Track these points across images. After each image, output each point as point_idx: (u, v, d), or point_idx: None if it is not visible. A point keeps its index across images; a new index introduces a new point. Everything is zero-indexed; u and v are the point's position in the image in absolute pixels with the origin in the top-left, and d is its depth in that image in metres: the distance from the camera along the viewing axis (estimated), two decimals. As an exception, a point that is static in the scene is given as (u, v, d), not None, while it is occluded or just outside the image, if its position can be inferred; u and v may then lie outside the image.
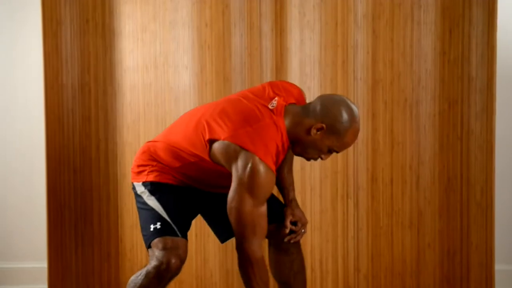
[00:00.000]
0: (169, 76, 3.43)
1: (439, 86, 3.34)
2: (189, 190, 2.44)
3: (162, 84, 3.45)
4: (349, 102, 2.28)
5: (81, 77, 3.48)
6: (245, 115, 2.26)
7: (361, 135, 3.35)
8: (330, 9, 3.32)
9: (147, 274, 2.29)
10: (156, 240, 2.31)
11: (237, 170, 2.18)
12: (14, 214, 3.80)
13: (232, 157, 2.20)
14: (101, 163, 3.52)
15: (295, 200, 2.59)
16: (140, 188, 2.42)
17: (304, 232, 2.56)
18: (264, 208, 2.22)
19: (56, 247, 3.53)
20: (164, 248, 2.28)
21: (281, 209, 2.55)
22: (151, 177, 2.39)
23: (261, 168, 2.17)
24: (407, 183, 3.39)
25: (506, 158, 3.60)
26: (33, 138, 3.71)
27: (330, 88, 3.35)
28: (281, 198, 2.62)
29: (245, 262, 2.25)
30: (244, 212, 2.19)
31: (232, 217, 2.22)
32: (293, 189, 2.60)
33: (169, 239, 2.30)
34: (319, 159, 2.35)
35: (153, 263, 2.28)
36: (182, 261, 2.31)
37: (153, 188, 2.38)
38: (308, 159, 2.35)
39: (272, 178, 2.21)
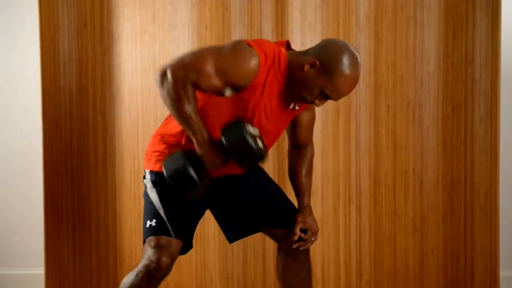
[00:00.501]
0: None
1: (442, 89, 3.34)
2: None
3: None
4: (352, 48, 2.19)
5: (79, 80, 3.46)
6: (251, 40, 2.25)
7: (363, 139, 3.37)
8: (332, 10, 3.32)
9: (138, 273, 2.26)
10: (150, 238, 2.28)
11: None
12: (11, 219, 3.79)
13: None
14: (99, 168, 3.50)
15: (309, 206, 2.52)
16: (148, 176, 2.37)
17: (314, 240, 2.51)
18: (216, 81, 2.10)
19: (54, 253, 3.52)
20: (156, 246, 2.26)
21: (293, 214, 2.49)
22: (157, 167, 2.32)
23: (245, 46, 2.11)
24: (410, 187, 3.39)
25: (511, 162, 3.58)
26: (31, 142, 3.71)
27: None
28: (295, 203, 2.58)
29: (169, 86, 2.09)
30: (203, 52, 2.11)
31: (183, 52, 2.15)
32: (309, 195, 2.53)
33: (162, 238, 2.27)
34: (314, 104, 2.26)
35: (143, 261, 2.26)
36: (173, 260, 2.28)
37: (157, 179, 2.32)
38: (301, 100, 2.24)
39: (249, 60, 2.10)
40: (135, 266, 2.30)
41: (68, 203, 3.52)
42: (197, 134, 2.13)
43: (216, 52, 2.13)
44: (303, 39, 3.34)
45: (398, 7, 3.31)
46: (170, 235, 2.28)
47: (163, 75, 2.10)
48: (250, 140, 2.10)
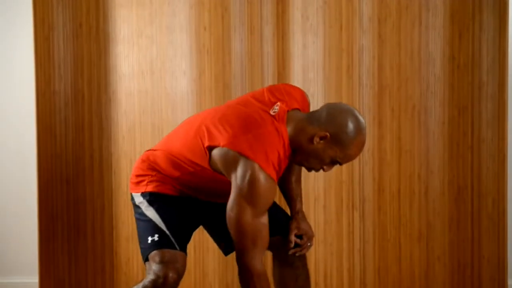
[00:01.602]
0: (166, 83, 3.42)
1: (448, 92, 3.33)
2: (190, 200, 2.41)
3: (159, 91, 3.43)
4: (356, 112, 2.22)
5: (74, 83, 3.46)
6: (246, 121, 2.22)
7: (367, 144, 3.29)
8: (334, 12, 3.31)
9: None
10: (153, 252, 2.27)
11: (236, 179, 2.15)
12: (4, 226, 3.79)
13: (231, 165, 2.16)
14: (95, 173, 3.50)
15: (302, 212, 2.53)
16: (139, 199, 2.38)
17: (311, 245, 2.51)
18: (265, 218, 2.18)
19: (48, 261, 3.52)
20: (162, 262, 2.25)
21: (286, 220, 2.50)
22: (150, 188, 2.36)
23: (261, 176, 2.12)
24: (415, 193, 3.38)
25: (519, 167, 3.58)
26: (24, 147, 3.70)
27: (334, 95, 3.35)
28: (287, 210, 2.58)
29: (246, 276, 2.21)
30: (244, 223, 2.15)
31: (231, 228, 2.18)
32: (301, 201, 2.54)
33: (167, 252, 2.27)
34: (321, 171, 2.31)
35: (149, 277, 2.24)
36: (180, 275, 2.27)
37: (152, 198, 2.35)
38: (309, 169, 2.29)
39: (273, 186, 2.17)
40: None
41: (63, 209, 3.52)
42: None
43: (251, 209, 2.16)
44: (304, 41, 3.34)
45: (403, 8, 3.29)
46: (174, 248, 2.28)
47: (250, 274, 2.22)
48: None
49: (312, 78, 3.34)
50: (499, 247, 3.35)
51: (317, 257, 3.40)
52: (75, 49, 3.45)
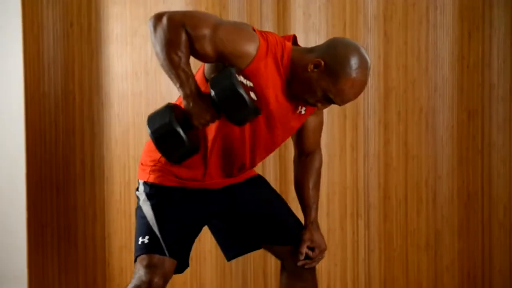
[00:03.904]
0: (161, 84, 3.41)
1: (457, 94, 3.31)
2: (196, 194, 2.31)
3: (153, 93, 3.43)
4: (363, 50, 2.11)
5: (65, 85, 3.47)
6: None
7: (372, 148, 3.35)
8: (338, 9, 3.30)
9: None
10: (142, 256, 2.22)
11: None
12: None
13: None
14: (86, 179, 3.51)
15: (316, 222, 2.44)
16: (141, 188, 2.32)
17: (322, 258, 2.45)
18: (209, 48, 2.04)
19: (37, 272, 3.53)
20: (148, 266, 2.19)
21: (298, 230, 2.42)
22: (152, 178, 2.28)
23: (250, 30, 2.08)
24: (423, 200, 3.35)
25: (531, 173, 3.61)
26: (13, 151, 3.67)
27: None
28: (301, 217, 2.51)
29: (164, 28, 2.02)
30: (203, 14, 2.09)
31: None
32: (316, 209, 2.46)
33: (155, 258, 2.20)
34: (319, 110, 2.25)
35: (134, 282, 2.19)
36: (166, 280, 2.22)
37: (152, 191, 2.27)
38: (303, 102, 2.18)
39: (251, 45, 2.06)
40: (126, 285, 2.25)
41: (53, 217, 3.53)
42: (184, 86, 2.05)
43: (218, 19, 2.09)
44: (306, 40, 3.33)
45: (409, 5, 3.28)
46: (163, 254, 2.21)
47: (158, 17, 2.04)
48: (242, 91, 2.01)
49: (314, 79, 3.32)
50: (510, 257, 3.33)
51: (320, 267, 3.33)
52: (66, 49, 3.49)
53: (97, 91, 3.46)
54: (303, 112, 2.24)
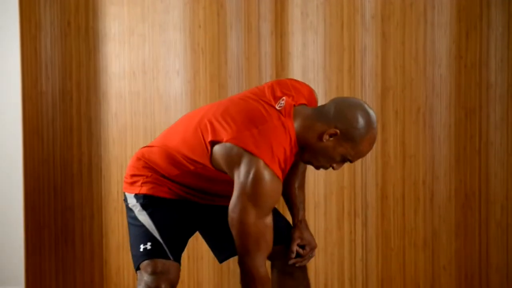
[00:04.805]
0: (159, 83, 3.41)
1: (455, 94, 3.30)
2: (187, 204, 2.36)
3: (151, 92, 3.42)
4: (366, 106, 2.19)
5: (62, 84, 3.46)
6: (250, 116, 2.17)
7: None
8: (336, 9, 3.30)
9: None
10: (145, 262, 2.23)
11: (239, 177, 2.11)
12: None
13: (234, 161, 2.12)
14: (84, 178, 3.50)
15: (304, 221, 2.46)
16: (132, 201, 2.33)
17: (312, 256, 2.47)
18: (269, 219, 2.15)
19: (35, 271, 3.51)
20: (154, 273, 2.21)
21: (288, 229, 2.45)
22: (144, 189, 2.30)
23: (266, 174, 2.09)
24: (420, 200, 3.34)
25: (528, 173, 3.61)
26: (10, 151, 3.65)
27: (335, 96, 3.30)
28: (288, 217, 2.54)
29: (248, 279, 2.17)
30: (247, 224, 2.11)
31: (233, 229, 2.15)
32: (304, 208, 2.49)
33: (159, 262, 2.22)
34: (330, 168, 2.26)
35: None
36: (173, 286, 2.24)
37: (146, 202, 2.30)
38: (317, 167, 2.25)
39: (278, 185, 2.13)
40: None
41: (50, 217, 3.51)
42: None
43: (255, 209, 2.13)
44: (304, 39, 3.34)
45: (407, 5, 3.28)
46: (167, 258, 2.24)
47: (249, 276, 2.19)
48: None
49: (312, 79, 3.33)
50: (507, 256, 3.32)
51: (317, 267, 3.37)
52: (63, 48, 3.46)
53: (95, 91, 3.44)
54: None
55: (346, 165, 3.24)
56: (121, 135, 3.44)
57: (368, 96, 3.31)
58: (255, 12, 3.32)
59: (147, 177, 2.31)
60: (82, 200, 3.48)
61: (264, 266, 2.18)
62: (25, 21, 3.41)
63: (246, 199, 2.09)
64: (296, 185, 2.46)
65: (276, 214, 2.39)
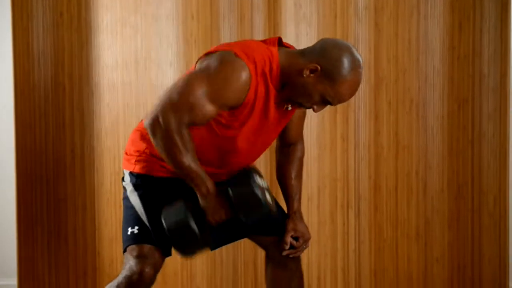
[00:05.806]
0: (151, 74, 3.39)
1: (448, 85, 3.31)
2: (179, 184, 2.30)
3: (143, 83, 3.41)
4: (354, 49, 2.14)
5: (54, 76, 3.44)
6: (236, 42, 2.22)
7: (362, 139, 3.36)
8: (329, 0, 3.30)
9: (118, 285, 2.20)
10: (131, 246, 2.23)
11: (203, 61, 2.12)
12: None
13: (206, 56, 2.12)
14: (76, 171, 3.48)
15: (299, 212, 2.45)
16: (127, 178, 2.32)
17: (306, 247, 2.46)
18: (212, 106, 2.06)
19: (27, 263, 3.50)
20: (138, 256, 2.20)
21: (283, 220, 2.43)
22: (138, 168, 2.28)
23: (233, 58, 2.05)
24: (413, 191, 3.36)
25: (521, 164, 3.62)
26: (2, 143, 3.67)
27: None
28: (284, 207, 2.52)
29: (162, 134, 2.04)
30: (190, 85, 2.04)
31: (171, 86, 2.09)
32: (299, 199, 2.47)
33: (145, 247, 2.21)
34: (314, 112, 2.22)
35: (124, 272, 2.21)
36: (157, 270, 2.23)
37: (138, 181, 2.28)
38: (297, 106, 2.21)
39: (244, 79, 2.07)
40: (117, 275, 2.26)
41: (43, 209, 3.50)
42: (200, 186, 2.12)
43: (204, 77, 2.07)
44: (297, 31, 3.33)
45: None
46: (153, 243, 2.22)
47: (155, 123, 2.06)
48: (260, 194, 2.11)
49: (305, 70, 3.31)
50: (500, 247, 3.34)
51: (310, 258, 3.38)
52: (55, 39, 3.43)
53: (87, 81, 3.42)
54: (289, 108, 2.25)
55: (340, 156, 3.32)
56: (113, 126, 3.43)
57: (361, 87, 3.13)
58: (248, 2, 3.30)
59: (140, 153, 2.28)
60: (74, 192, 3.47)
61: (185, 128, 2.06)
62: (16, 11, 3.37)
63: (202, 71, 2.05)
64: (293, 175, 2.45)
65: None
